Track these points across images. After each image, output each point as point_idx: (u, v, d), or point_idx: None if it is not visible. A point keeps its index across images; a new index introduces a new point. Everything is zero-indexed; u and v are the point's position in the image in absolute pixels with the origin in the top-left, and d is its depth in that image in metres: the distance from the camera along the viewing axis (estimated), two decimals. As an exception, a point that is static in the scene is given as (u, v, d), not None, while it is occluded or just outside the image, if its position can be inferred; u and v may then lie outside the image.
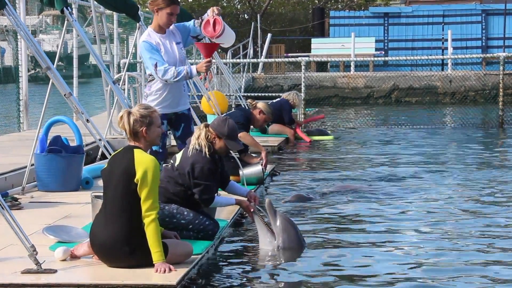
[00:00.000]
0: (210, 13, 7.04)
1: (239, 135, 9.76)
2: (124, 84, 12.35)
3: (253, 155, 9.63)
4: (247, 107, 12.47)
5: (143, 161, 5.16)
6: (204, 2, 41.32)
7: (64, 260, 5.39)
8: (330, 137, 14.88)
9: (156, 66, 6.93)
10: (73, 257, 5.44)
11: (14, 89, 13.91)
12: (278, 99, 14.82)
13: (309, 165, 11.68)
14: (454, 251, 6.28)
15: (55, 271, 5.11)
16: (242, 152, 9.06)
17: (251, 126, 10.88)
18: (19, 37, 13.21)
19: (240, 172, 8.50)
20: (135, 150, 5.25)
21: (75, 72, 14.66)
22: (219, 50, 20.85)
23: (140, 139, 5.30)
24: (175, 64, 7.02)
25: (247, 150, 9.49)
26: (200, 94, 12.57)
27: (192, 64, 7.19)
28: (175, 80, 6.93)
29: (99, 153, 10.25)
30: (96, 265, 5.31)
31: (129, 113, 5.29)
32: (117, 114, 12.31)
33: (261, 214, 6.17)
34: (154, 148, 7.05)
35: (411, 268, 5.79)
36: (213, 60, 8.89)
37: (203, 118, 12.97)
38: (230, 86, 19.28)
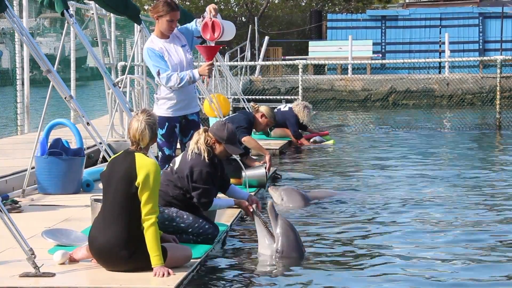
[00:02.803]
0: (207, 15, 7.04)
1: (243, 139, 9.82)
2: (126, 87, 12.34)
3: (254, 157, 9.62)
4: (249, 110, 12.44)
5: (145, 164, 5.17)
6: (202, 5, 41.37)
7: (63, 263, 5.38)
8: (331, 141, 14.61)
9: (159, 73, 6.96)
10: (72, 260, 5.43)
11: (11, 92, 13.89)
12: (287, 109, 14.18)
13: (310, 168, 11.66)
14: (451, 257, 6.28)
15: (53, 275, 5.10)
16: (244, 155, 9.04)
17: (255, 130, 10.86)
18: (16, 39, 13.18)
19: (243, 174, 8.48)
20: (136, 154, 5.25)
21: (72, 75, 14.64)
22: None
23: (146, 145, 5.32)
24: (181, 67, 7.04)
25: (248, 153, 9.49)
26: (202, 96, 12.58)
27: (196, 67, 7.20)
28: (179, 86, 6.96)
29: (101, 156, 10.26)
30: (94, 268, 5.30)
31: (148, 125, 5.27)
32: (119, 117, 12.42)
33: (261, 217, 6.16)
34: (167, 152, 7.08)
35: (411, 273, 5.78)
36: (216, 63, 8.90)
37: (205, 120, 12.98)
38: (230, 88, 19.29)
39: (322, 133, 15.10)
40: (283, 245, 6.06)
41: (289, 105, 14.51)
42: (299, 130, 14.28)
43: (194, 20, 7.30)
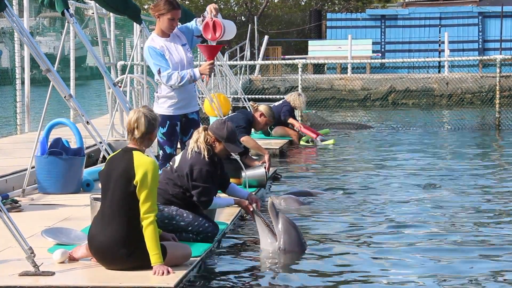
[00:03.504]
0: (208, 14, 7.05)
1: (242, 139, 9.82)
2: (126, 87, 12.34)
3: (254, 157, 9.60)
4: (248, 109, 12.44)
5: (143, 162, 5.17)
6: (202, 5, 41.37)
7: (62, 262, 5.38)
8: (331, 141, 14.59)
9: (159, 72, 6.97)
10: (72, 259, 5.43)
11: (11, 92, 13.90)
12: (281, 101, 14.59)
13: (311, 168, 11.67)
14: (450, 256, 6.29)
15: (53, 274, 5.10)
16: (243, 154, 9.04)
17: (254, 129, 10.85)
18: (16, 38, 13.17)
19: (243, 174, 8.48)
20: (134, 152, 5.25)
21: (72, 74, 14.63)
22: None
23: (144, 141, 5.31)
24: (182, 66, 7.05)
25: (247, 152, 9.48)
26: (202, 96, 12.56)
27: (195, 66, 7.22)
28: (179, 84, 6.97)
29: (101, 155, 10.26)
30: (94, 267, 5.30)
31: (145, 116, 5.28)
32: (119, 117, 12.42)
33: (262, 216, 6.17)
34: (168, 151, 7.10)
35: (411, 272, 5.79)
36: (217, 62, 8.90)
37: (205, 120, 12.98)
38: (229, 88, 19.27)
39: (320, 133, 15.12)
40: (285, 242, 6.06)
41: (282, 100, 14.71)
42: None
43: (194, 19, 7.31)
